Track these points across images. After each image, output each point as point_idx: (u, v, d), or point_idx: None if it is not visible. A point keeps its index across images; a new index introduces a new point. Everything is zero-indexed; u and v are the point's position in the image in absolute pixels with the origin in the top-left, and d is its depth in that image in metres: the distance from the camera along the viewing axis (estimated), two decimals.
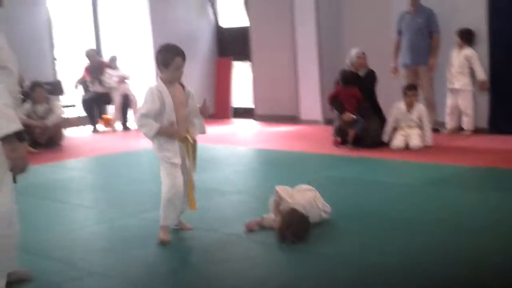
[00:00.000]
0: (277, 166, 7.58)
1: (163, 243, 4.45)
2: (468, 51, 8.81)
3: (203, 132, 4.75)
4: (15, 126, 3.25)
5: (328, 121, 9.06)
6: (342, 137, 8.41)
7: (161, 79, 4.47)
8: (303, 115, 11.02)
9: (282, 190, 4.76)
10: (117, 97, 11.33)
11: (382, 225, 4.77)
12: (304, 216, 4.56)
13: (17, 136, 3.27)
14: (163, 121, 4.41)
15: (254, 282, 3.73)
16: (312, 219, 4.69)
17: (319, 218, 4.80)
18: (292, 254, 4.24)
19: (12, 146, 3.26)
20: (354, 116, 8.21)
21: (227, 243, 4.51)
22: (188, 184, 4.64)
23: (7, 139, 3.25)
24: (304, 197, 4.80)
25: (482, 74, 8.79)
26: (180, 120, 4.47)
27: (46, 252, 4.45)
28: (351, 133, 8.25)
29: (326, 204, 4.92)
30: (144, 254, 4.31)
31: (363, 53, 8.49)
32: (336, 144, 8.40)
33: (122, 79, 11.41)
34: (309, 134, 9.83)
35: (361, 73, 8.46)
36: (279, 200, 4.71)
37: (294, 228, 4.42)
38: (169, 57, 4.40)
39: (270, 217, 4.77)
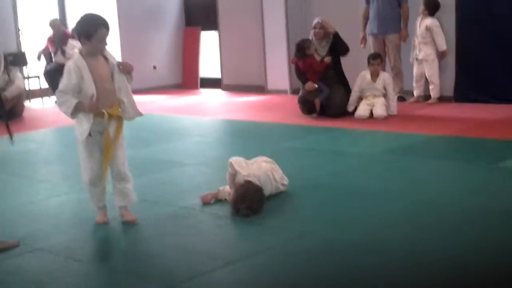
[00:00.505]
0: (241, 137, 7.48)
1: (98, 223, 4.30)
2: (429, 21, 8.73)
3: (136, 114, 4.30)
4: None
5: (295, 91, 8.98)
6: (307, 107, 8.32)
7: (81, 52, 4.12)
8: (271, 85, 10.90)
9: (236, 162, 4.67)
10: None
11: (338, 196, 4.72)
12: (258, 188, 4.48)
13: None
14: (82, 97, 4.07)
15: (202, 257, 3.65)
16: (267, 191, 4.61)
17: (275, 191, 4.73)
18: (244, 227, 4.17)
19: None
20: (316, 85, 8.11)
21: (180, 217, 4.42)
22: (104, 164, 4.25)
23: None
24: (260, 169, 4.72)
25: (442, 44, 8.73)
26: (102, 96, 4.09)
27: None
28: (317, 102, 8.16)
29: (285, 176, 4.84)
30: (92, 229, 4.21)
31: (320, 23, 8.26)
32: (301, 113, 8.30)
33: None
34: (276, 104, 9.72)
35: (325, 42, 8.30)
36: (234, 173, 4.62)
37: (248, 200, 4.34)
38: (91, 28, 4.04)
39: (226, 189, 4.68)
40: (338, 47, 8.25)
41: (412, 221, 4.08)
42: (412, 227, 3.97)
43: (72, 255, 3.75)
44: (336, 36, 8.24)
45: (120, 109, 4.21)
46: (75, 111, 4.06)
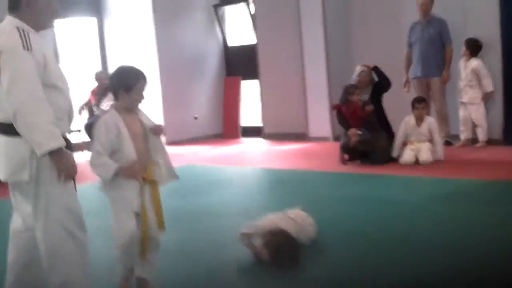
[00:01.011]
0: (281, 186, 7.30)
1: None
2: (474, 63, 8.48)
3: (173, 177, 3.92)
4: (55, 143, 3.21)
5: (337, 138, 8.80)
6: (349, 154, 8.13)
7: (115, 106, 3.76)
8: (312, 132, 10.73)
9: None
10: None
11: (384, 245, 4.49)
12: (286, 233, 4.29)
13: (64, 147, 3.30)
14: (119, 159, 3.67)
15: None
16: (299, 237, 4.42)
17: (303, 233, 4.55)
18: (281, 282, 3.95)
19: (58, 157, 3.28)
20: (360, 132, 7.92)
21: (215, 271, 4.23)
22: (144, 241, 3.75)
23: (54, 154, 3.25)
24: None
25: (489, 85, 8.47)
26: (138, 157, 3.71)
27: None
28: (358, 147, 7.96)
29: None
30: None
31: (364, 71, 8.19)
32: (343, 161, 8.11)
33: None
34: (318, 152, 9.53)
35: (367, 91, 8.17)
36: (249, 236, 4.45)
37: (283, 247, 4.13)
38: (132, 80, 3.69)
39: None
40: (381, 80, 8.11)
41: (456, 272, 3.82)
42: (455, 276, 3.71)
43: None
44: (376, 69, 8.11)
45: (154, 172, 3.81)
46: (114, 177, 3.66)
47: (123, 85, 3.70)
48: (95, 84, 11.33)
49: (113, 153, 3.67)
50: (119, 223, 3.68)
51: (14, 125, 3.23)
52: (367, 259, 4.24)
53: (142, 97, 3.75)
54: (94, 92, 11.40)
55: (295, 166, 8.45)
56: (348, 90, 8.03)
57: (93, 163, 3.69)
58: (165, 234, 3.91)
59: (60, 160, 3.28)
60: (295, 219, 4.63)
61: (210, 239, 5.02)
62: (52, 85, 3.33)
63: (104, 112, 3.84)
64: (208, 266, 4.34)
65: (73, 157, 3.40)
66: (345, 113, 8.05)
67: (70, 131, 3.57)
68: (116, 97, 3.77)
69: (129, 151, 3.68)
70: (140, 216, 3.68)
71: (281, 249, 4.13)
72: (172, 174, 3.91)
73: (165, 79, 11.88)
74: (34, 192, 3.37)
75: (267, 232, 4.31)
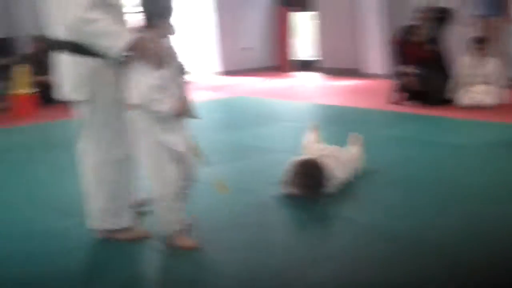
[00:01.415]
0: (334, 123, 7.15)
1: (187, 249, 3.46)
2: None
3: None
4: (123, 40, 3.21)
5: (392, 76, 8.56)
6: (404, 93, 7.91)
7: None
8: (368, 69, 10.49)
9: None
10: None
11: (426, 190, 4.33)
12: (313, 160, 4.29)
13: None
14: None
15: (278, 251, 3.39)
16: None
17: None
18: (327, 221, 3.87)
19: (136, 46, 3.23)
20: (417, 70, 7.67)
21: (262, 207, 4.17)
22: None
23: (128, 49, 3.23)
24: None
25: None
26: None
27: (70, 209, 4.18)
28: (416, 88, 7.72)
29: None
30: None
31: (425, 6, 7.87)
32: (397, 101, 7.89)
33: None
34: (373, 89, 9.31)
35: (429, 25, 7.86)
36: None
37: (308, 172, 4.17)
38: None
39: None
40: (442, 15, 7.79)
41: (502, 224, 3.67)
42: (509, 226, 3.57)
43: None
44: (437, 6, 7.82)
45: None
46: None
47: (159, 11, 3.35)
48: None
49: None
50: (162, 171, 3.37)
51: (79, 41, 3.27)
52: (412, 202, 4.10)
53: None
54: None
55: (347, 102, 8.29)
56: (408, 30, 7.76)
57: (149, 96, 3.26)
58: (209, 169, 3.89)
59: (136, 46, 3.24)
60: (335, 154, 4.58)
61: (256, 176, 4.93)
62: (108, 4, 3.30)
63: None
64: (254, 202, 4.28)
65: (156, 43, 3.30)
66: (404, 50, 7.80)
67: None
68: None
69: None
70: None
71: (308, 176, 4.14)
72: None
73: (220, 8, 11.70)
74: (87, 113, 3.41)
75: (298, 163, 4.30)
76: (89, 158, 3.48)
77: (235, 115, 7.56)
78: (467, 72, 7.62)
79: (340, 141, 5.84)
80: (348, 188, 4.43)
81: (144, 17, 3.36)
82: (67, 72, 3.37)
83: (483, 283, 2.92)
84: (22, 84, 8.16)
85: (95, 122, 3.42)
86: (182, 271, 3.21)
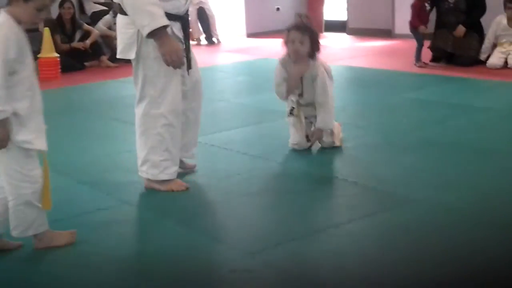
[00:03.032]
0: (361, 85, 7.02)
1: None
2: None
3: None
4: (153, 23, 3.37)
5: (423, 36, 8.31)
6: (434, 53, 7.70)
7: None
8: (398, 29, 10.22)
9: None
10: (191, 9, 10.91)
11: (456, 156, 4.19)
12: None
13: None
14: None
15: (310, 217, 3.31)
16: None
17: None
18: (346, 188, 3.77)
19: (160, 41, 3.43)
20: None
21: (279, 175, 4.10)
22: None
23: (156, 35, 3.41)
24: None
25: None
26: None
27: (80, 175, 4.14)
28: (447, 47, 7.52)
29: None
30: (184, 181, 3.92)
31: None
32: (421, 63, 7.66)
33: None
34: (403, 50, 9.08)
35: None
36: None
37: None
38: None
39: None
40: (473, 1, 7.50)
41: None
42: None
43: (160, 210, 3.52)
44: None
45: None
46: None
47: None
48: None
49: None
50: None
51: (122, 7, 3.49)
52: (437, 167, 3.98)
53: None
54: None
55: (378, 64, 8.10)
56: None
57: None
58: (230, 133, 3.83)
59: (161, 43, 3.44)
60: None
61: (274, 141, 4.81)
62: None
63: None
64: (274, 170, 4.20)
65: (175, 42, 3.50)
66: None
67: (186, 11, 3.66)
68: None
69: None
70: None
71: None
72: None
73: None
74: (135, 71, 3.62)
75: None
76: (137, 110, 3.68)
77: (259, 78, 7.43)
78: (500, 32, 7.36)
79: (365, 105, 5.73)
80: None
81: None
82: (120, 33, 3.58)
83: None
84: (46, 48, 8.13)
85: (141, 78, 3.60)
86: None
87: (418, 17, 7.71)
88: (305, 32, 4.19)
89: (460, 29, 7.41)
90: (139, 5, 3.38)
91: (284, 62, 4.33)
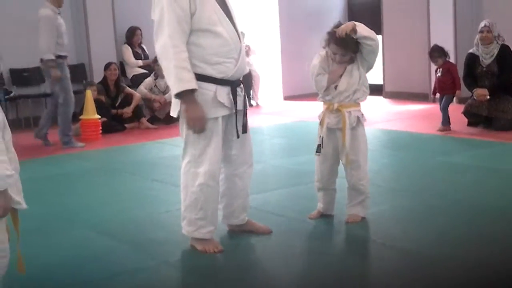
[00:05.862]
0: (395, 149, 7.03)
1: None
2: None
3: None
4: (179, 86, 3.46)
5: (461, 100, 8.34)
6: (472, 118, 7.72)
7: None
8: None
9: None
10: None
11: (485, 223, 4.18)
12: None
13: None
14: None
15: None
16: None
17: None
18: (380, 252, 3.78)
19: (185, 105, 3.53)
20: (488, 95, 7.48)
21: (314, 234, 4.13)
22: None
23: (181, 98, 3.52)
24: None
25: None
26: None
27: (120, 234, 4.24)
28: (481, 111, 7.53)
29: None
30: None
31: (487, 26, 7.59)
32: (448, 127, 7.66)
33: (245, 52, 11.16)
34: (439, 114, 9.07)
35: (492, 48, 7.61)
36: None
37: None
38: None
39: None
40: (504, 64, 7.54)
41: None
42: None
43: (199, 270, 3.57)
44: (504, 49, 7.54)
45: None
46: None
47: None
48: None
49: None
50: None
51: None
52: (471, 231, 3.98)
53: None
54: None
55: (413, 128, 8.13)
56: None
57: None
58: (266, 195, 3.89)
59: (185, 108, 3.54)
60: None
61: (310, 203, 4.85)
62: (205, 30, 3.54)
63: None
64: (308, 232, 4.23)
65: (201, 109, 3.54)
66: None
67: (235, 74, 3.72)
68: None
69: None
70: None
71: None
72: None
73: (285, 32, 11.74)
74: (181, 128, 3.71)
75: None
76: (182, 164, 3.76)
77: (294, 140, 7.52)
78: None
79: (398, 168, 5.73)
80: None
81: None
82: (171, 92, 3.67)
83: None
84: (88, 110, 8.35)
85: (184, 136, 3.70)
86: None
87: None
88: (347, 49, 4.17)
89: (481, 92, 7.46)
90: (170, 67, 3.47)
91: (326, 55, 4.35)
